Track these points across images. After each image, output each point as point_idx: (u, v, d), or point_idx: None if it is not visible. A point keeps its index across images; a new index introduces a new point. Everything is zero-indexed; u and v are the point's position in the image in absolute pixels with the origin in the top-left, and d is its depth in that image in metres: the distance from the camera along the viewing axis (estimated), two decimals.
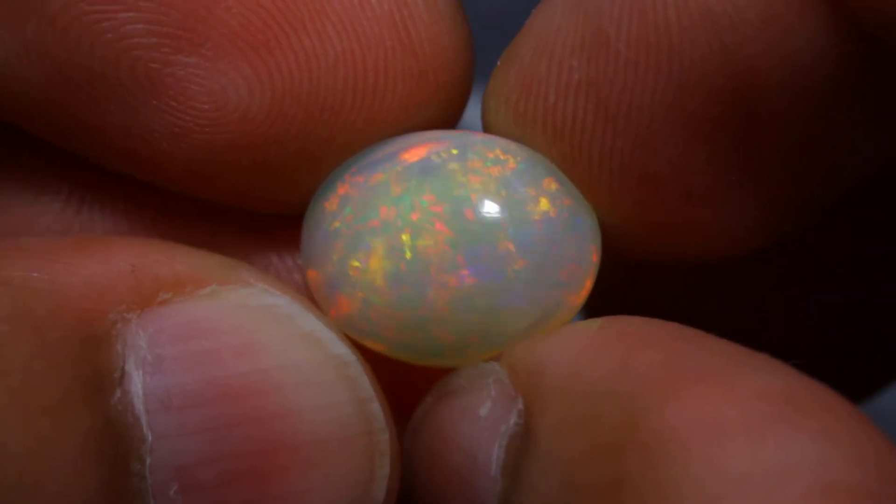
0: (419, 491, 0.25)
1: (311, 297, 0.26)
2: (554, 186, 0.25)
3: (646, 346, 0.23)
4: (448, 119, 0.27)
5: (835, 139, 0.25)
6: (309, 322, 0.24)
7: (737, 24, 0.24)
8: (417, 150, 0.25)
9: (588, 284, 0.26)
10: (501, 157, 0.25)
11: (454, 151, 0.25)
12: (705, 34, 0.24)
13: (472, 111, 0.28)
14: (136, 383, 0.22)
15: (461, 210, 0.25)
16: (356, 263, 0.25)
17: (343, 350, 0.24)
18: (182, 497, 0.22)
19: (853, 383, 0.34)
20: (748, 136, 0.25)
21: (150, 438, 0.22)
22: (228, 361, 0.23)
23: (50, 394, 0.21)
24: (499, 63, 0.27)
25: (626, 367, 0.22)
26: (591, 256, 0.25)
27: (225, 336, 0.23)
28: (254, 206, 0.27)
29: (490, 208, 0.25)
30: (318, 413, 0.23)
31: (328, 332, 0.24)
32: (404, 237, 0.25)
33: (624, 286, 0.32)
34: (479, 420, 0.24)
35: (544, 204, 0.25)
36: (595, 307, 0.29)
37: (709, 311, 0.32)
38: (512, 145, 0.26)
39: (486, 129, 0.27)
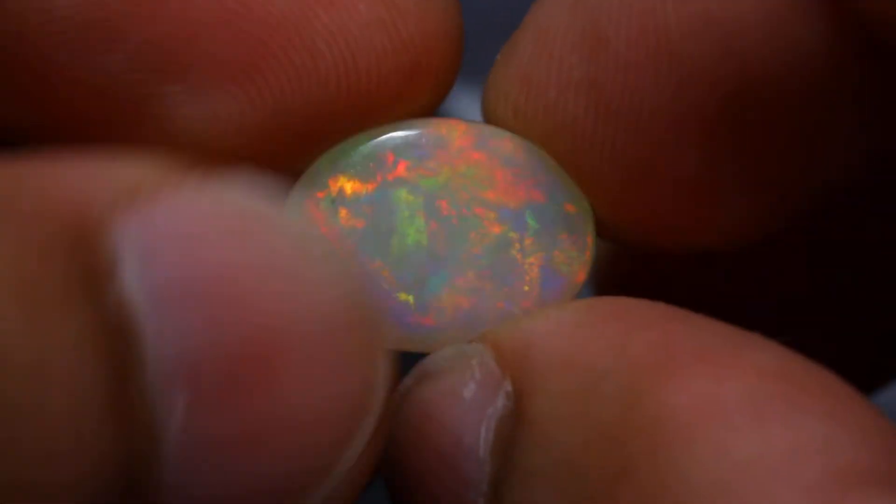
0: (402, 474, 0.25)
1: None
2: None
3: (640, 326, 0.23)
4: (438, 93, 0.27)
5: (835, 136, 0.25)
6: (293, 217, 0.24)
7: (737, 26, 0.24)
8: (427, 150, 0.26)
9: (582, 276, 0.26)
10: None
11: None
12: (705, 36, 0.24)
13: (470, 105, 0.28)
14: (132, 279, 0.21)
15: (470, 218, 0.25)
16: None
17: (329, 245, 0.23)
18: (184, 401, 0.21)
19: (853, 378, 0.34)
20: (748, 134, 0.25)
21: (149, 336, 0.21)
22: (220, 247, 0.22)
23: (46, 291, 0.20)
24: (499, 57, 0.27)
25: (623, 347, 0.22)
26: (584, 251, 0.26)
27: (214, 228, 0.22)
28: None
29: (499, 216, 0.25)
30: (315, 304, 0.22)
31: (313, 227, 0.24)
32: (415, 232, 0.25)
33: (623, 276, 0.32)
34: (464, 402, 0.24)
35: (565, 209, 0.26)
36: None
37: (708, 300, 0.32)
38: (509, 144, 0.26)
39: (486, 121, 0.27)
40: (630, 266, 0.32)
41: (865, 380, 0.35)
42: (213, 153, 0.25)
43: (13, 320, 0.20)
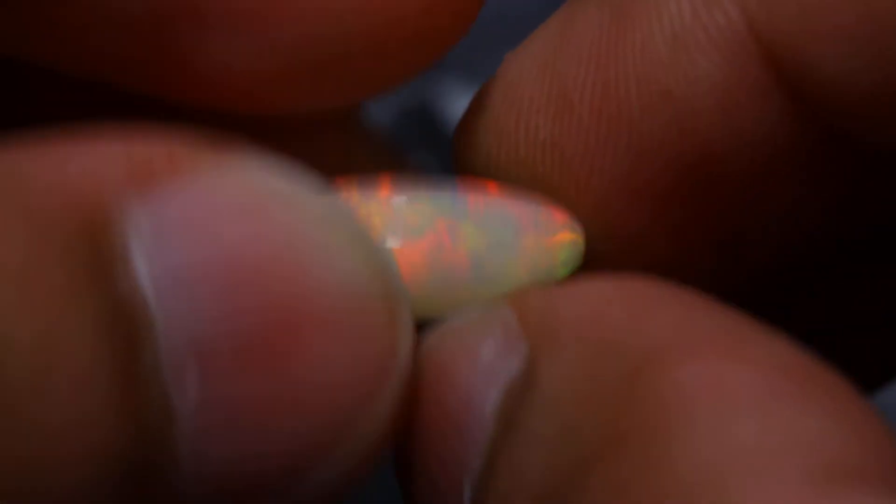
0: (409, 429, 0.25)
1: None
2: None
3: (662, 306, 0.23)
4: (454, 35, 0.27)
5: (784, 211, 0.26)
6: (316, 193, 0.23)
7: (695, 108, 0.25)
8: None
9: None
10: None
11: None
12: (663, 113, 0.25)
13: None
14: (142, 264, 0.21)
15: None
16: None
17: (355, 222, 0.23)
18: (198, 378, 0.21)
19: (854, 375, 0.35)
20: (700, 205, 0.26)
21: (160, 319, 0.21)
22: (236, 230, 0.22)
23: (53, 279, 0.20)
24: (470, 104, 0.27)
25: (641, 324, 0.22)
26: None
27: (230, 210, 0.22)
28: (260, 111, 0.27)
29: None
30: (335, 278, 0.22)
31: (340, 202, 0.24)
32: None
33: None
34: (480, 361, 0.24)
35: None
36: None
37: None
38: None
39: (458, 167, 0.28)
40: None
41: (867, 377, 0.35)
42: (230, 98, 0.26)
43: (11, 300, 0.20)
